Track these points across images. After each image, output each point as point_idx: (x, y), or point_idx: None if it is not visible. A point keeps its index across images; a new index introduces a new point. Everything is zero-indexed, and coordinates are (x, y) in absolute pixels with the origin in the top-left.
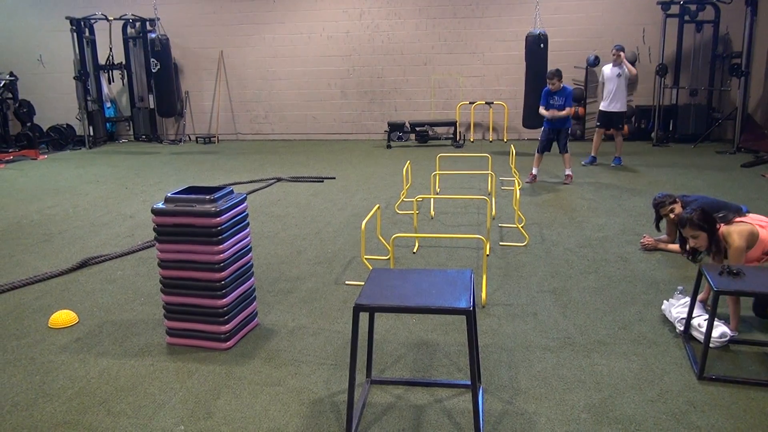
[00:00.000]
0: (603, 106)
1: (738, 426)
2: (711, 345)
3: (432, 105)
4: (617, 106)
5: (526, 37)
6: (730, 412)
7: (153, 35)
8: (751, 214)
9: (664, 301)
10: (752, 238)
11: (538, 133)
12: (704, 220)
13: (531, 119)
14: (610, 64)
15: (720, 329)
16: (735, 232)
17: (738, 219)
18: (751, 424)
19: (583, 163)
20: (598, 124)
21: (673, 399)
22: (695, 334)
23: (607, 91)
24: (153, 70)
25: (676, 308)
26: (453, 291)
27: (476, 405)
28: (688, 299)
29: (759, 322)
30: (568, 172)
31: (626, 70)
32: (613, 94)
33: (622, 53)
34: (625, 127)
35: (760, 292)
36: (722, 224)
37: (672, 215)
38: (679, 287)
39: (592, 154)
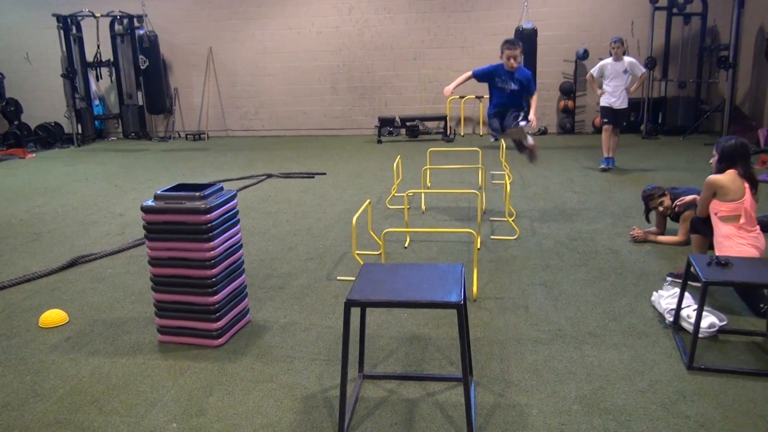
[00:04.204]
0: (612, 102)
1: (727, 415)
2: (700, 335)
3: (422, 100)
4: (624, 103)
5: (515, 30)
6: (719, 401)
7: (141, 32)
8: None
9: (654, 293)
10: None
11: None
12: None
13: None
14: (611, 59)
15: (709, 320)
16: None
17: None
18: (739, 412)
19: (602, 166)
20: (606, 120)
21: (663, 389)
22: (684, 324)
23: (613, 88)
24: (141, 67)
25: (665, 299)
26: (444, 285)
27: (468, 398)
28: (677, 290)
29: (747, 311)
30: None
31: (636, 71)
32: (621, 90)
33: (622, 46)
34: None
35: (749, 282)
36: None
37: (661, 207)
38: (668, 278)
39: (607, 156)
